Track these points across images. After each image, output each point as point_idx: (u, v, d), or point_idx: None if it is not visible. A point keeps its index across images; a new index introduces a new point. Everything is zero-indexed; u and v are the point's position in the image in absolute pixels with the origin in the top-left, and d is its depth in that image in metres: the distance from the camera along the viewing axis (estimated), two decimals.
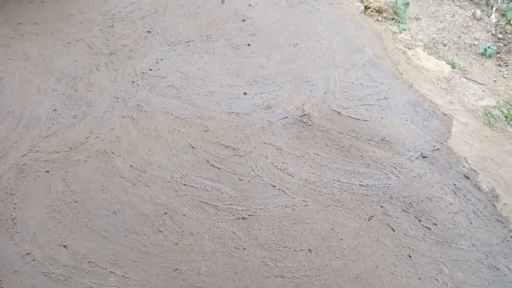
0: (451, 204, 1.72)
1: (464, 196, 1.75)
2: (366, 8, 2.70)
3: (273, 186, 1.67)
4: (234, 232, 1.54)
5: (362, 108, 2.01)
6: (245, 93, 1.97)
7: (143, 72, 2.01)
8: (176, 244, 1.48)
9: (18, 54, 2.07)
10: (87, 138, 1.74)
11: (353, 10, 2.53)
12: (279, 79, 2.07)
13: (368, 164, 1.80)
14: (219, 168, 1.70)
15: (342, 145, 1.84)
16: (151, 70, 2.02)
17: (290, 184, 1.69)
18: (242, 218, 1.57)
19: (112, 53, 2.08)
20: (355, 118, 1.96)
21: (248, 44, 2.15)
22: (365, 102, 2.04)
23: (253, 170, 1.71)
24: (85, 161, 1.66)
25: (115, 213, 1.53)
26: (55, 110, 1.85)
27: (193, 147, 1.76)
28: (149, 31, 2.17)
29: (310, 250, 1.52)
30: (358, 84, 2.11)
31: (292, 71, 2.11)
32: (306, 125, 1.90)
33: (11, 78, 1.96)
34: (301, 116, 1.92)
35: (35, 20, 2.21)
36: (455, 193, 1.76)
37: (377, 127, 1.93)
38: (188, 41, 2.14)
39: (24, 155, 1.65)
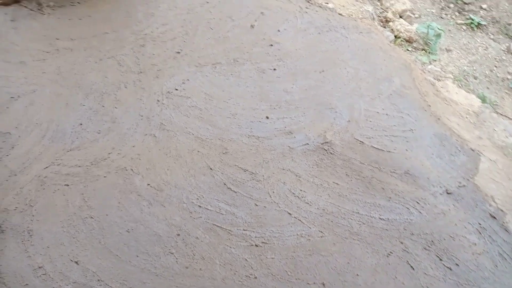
0: (475, 244, 1.62)
1: (490, 236, 1.65)
2: (396, 37, 2.68)
3: (289, 214, 1.63)
4: (246, 260, 1.50)
5: (386, 138, 1.96)
6: (267, 117, 1.97)
7: (169, 92, 2.05)
8: (187, 267, 1.46)
9: (51, 68, 2.15)
10: (109, 154, 1.76)
11: (382, 39, 2.51)
12: (303, 104, 2.05)
13: (390, 197, 1.73)
14: (235, 192, 1.68)
15: (363, 176, 1.79)
16: (177, 90, 2.06)
17: (307, 213, 1.65)
18: (255, 245, 1.53)
19: (141, 72, 2.13)
20: (378, 149, 1.90)
21: (274, 69, 2.16)
22: (389, 133, 1.99)
23: (270, 196, 1.68)
24: (104, 176, 1.68)
25: (128, 232, 1.53)
26: (81, 124, 1.89)
27: (211, 168, 1.76)
28: (178, 52, 2.21)
29: (323, 284, 1.46)
30: (383, 114, 2.06)
31: (316, 97, 2.09)
32: (327, 153, 1.86)
33: (43, 91, 2.03)
34: (322, 144, 1.89)
35: (71, 36, 2.30)
36: (480, 233, 1.66)
37: (401, 159, 1.87)
38: (215, 63, 2.16)
39: (47, 167, 1.69)
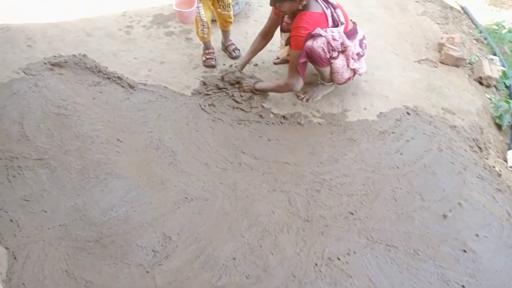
0: None
1: None
2: None
3: None
4: None
5: None
6: None
7: (330, 258, 1.82)
8: None
9: (229, 181, 2.19)
10: None
11: None
12: None
13: None
14: None
15: None
16: (339, 259, 1.82)
17: None
18: None
19: (307, 220, 1.98)
20: None
21: (463, 286, 1.74)
22: None
23: None
24: None
25: None
26: (234, 259, 1.79)
27: None
28: (352, 213, 2.01)
29: None
30: None
31: None
32: None
33: (213, 203, 2.05)
34: None
35: (256, 154, 2.36)
36: None
37: None
38: (390, 246, 1.88)
39: None
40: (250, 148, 2.40)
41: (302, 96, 2.75)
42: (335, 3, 2.43)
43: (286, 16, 2.56)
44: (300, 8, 2.31)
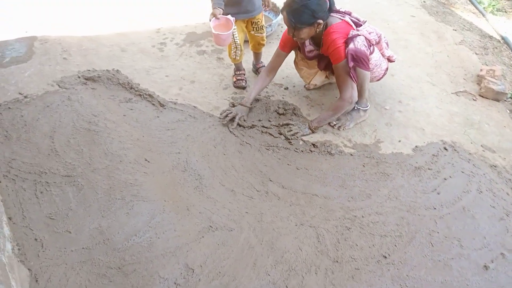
0: None
1: None
2: None
3: None
4: None
5: None
6: None
7: None
8: None
9: (255, 210, 2.11)
10: None
11: None
12: None
13: None
14: None
15: None
16: None
17: None
18: None
19: (336, 261, 1.88)
20: None
21: None
22: None
23: None
24: None
25: None
26: None
27: None
28: (385, 257, 1.90)
29: None
30: None
31: None
32: None
33: (238, 235, 1.97)
34: None
35: (283, 183, 2.28)
36: None
37: None
38: None
39: None
40: (278, 176, 2.33)
41: (335, 123, 2.68)
42: (345, 10, 2.47)
43: (307, 44, 2.53)
44: (319, 30, 2.30)
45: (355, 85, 2.39)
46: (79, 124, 2.48)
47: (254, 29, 2.77)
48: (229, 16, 2.43)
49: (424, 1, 4.22)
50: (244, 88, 2.95)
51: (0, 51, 3.13)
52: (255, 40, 2.85)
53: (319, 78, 2.85)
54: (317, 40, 2.47)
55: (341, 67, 2.37)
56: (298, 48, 2.67)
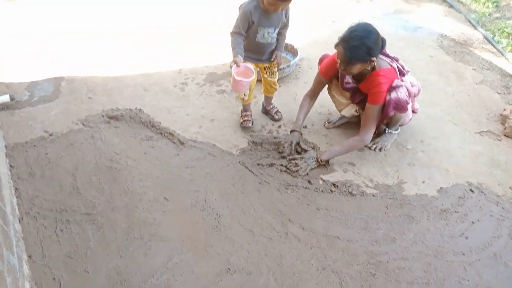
0: None
1: None
2: None
3: None
4: None
5: None
6: None
7: None
8: None
9: (274, 252, 2.06)
10: None
11: None
12: None
13: None
14: None
15: None
16: None
17: None
18: None
19: None
20: None
21: None
22: None
23: None
24: None
25: None
26: None
27: None
28: None
29: None
30: None
31: None
32: None
33: (257, 278, 1.92)
34: None
35: (303, 224, 2.23)
36: None
37: None
38: None
39: None
40: (298, 216, 2.28)
41: (374, 146, 2.74)
42: (393, 55, 2.54)
43: (347, 76, 2.57)
44: (369, 68, 2.32)
45: (374, 129, 2.51)
46: (101, 162, 2.51)
47: (268, 73, 2.84)
48: (249, 65, 2.50)
49: (441, 42, 4.26)
50: (249, 128, 2.95)
51: (30, 90, 3.27)
52: (268, 84, 2.91)
53: (349, 110, 2.86)
54: (358, 76, 2.50)
55: (374, 109, 2.45)
56: (337, 76, 2.71)
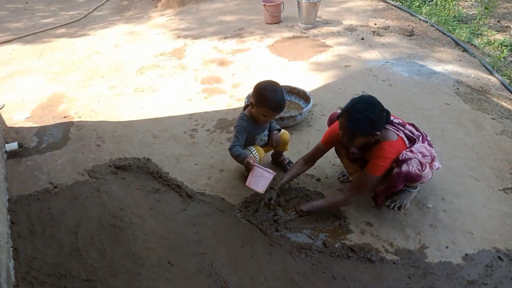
0: None
1: None
2: None
3: None
4: None
5: None
6: None
7: None
8: None
9: None
10: None
11: None
12: None
13: None
14: None
15: None
16: None
17: None
18: None
19: None
20: None
21: None
22: None
23: None
24: None
25: None
26: None
27: None
28: None
29: None
30: None
31: None
32: None
33: None
34: None
35: None
36: None
37: None
38: None
39: None
40: (312, 287, 2.09)
41: (393, 204, 2.58)
42: (398, 121, 2.39)
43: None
44: (373, 141, 2.24)
45: (362, 195, 2.46)
46: (104, 219, 2.40)
47: (271, 145, 2.80)
48: (269, 171, 2.40)
49: (457, 88, 4.16)
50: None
51: (38, 136, 3.23)
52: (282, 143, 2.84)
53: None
54: (363, 146, 2.38)
55: (369, 178, 2.30)
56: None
